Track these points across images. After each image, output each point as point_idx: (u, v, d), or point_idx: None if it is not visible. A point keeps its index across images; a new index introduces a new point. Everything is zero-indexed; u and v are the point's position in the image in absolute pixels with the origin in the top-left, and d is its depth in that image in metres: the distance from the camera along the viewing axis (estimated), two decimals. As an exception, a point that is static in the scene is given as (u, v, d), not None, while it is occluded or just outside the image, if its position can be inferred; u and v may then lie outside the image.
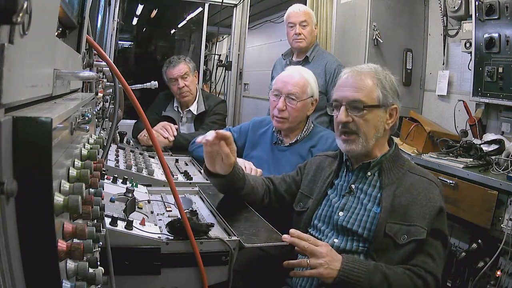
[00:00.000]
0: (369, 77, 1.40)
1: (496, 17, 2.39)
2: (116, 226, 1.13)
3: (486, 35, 2.45)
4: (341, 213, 1.39)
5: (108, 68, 1.32)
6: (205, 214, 1.45)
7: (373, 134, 1.39)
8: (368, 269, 1.20)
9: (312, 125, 2.05)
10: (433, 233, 1.29)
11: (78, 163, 0.71)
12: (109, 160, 1.75)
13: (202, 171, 1.83)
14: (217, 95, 4.27)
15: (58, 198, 0.54)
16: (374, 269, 1.21)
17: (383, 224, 1.29)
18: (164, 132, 2.51)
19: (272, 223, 1.40)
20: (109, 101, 1.68)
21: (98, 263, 0.70)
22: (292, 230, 1.27)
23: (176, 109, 2.92)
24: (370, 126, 1.38)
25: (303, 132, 2.01)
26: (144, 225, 1.21)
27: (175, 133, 2.53)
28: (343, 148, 1.42)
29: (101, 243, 0.88)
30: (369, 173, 1.41)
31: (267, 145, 2.07)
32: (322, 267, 1.20)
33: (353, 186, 1.43)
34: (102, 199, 0.88)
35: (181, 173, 1.90)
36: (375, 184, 1.39)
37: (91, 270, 0.63)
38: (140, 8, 5.08)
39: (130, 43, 5.39)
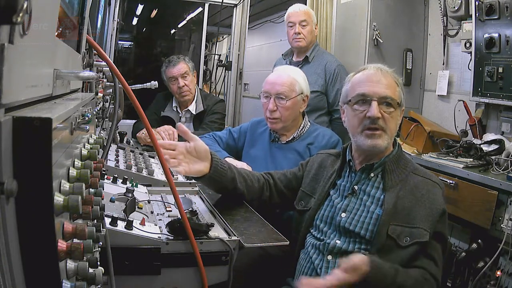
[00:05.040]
0: (390, 75, 1.42)
1: (496, 17, 2.38)
2: (116, 226, 1.13)
3: (486, 35, 2.45)
4: (343, 214, 1.39)
5: (108, 68, 1.32)
6: (205, 214, 1.44)
7: (395, 132, 1.41)
8: (386, 283, 1.16)
9: (309, 123, 2.07)
10: (436, 236, 1.29)
11: (78, 163, 0.71)
12: (109, 160, 1.75)
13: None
14: (217, 95, 4.27)
15: (58, 198, 0.54)
16: (392, 280, 1.16)
17: (386, 226, 1.29)
18: (165, 136, 2.50)
19: (272, 223, 1.40)
20: (109, 101, 1.68)
21: (98, 263, 0.70)
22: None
23: (175, 109, 2.92)
24: (394, 124, 1.39)
25: (300, 129, 2.04)
26: (144, 225, 1.21)
27: (176, 141, 2.51)
28: (367, 144, 1.37)
29: (101, 243, 0.88)
30: (372, 174, 1.41)
31: (265, 143, 2.09)
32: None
33: (356, 187, 1.42)
34: (102, 199, 0.88)
35: (181, 173, 1.90)
36: (378, 186, 1.38)
37: (91, 270, 0.63)
38: (140, 8, 5.08)
39: (130, 43, 5.39)
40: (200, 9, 4.45)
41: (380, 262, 1.18)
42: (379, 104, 1.36)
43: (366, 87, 1.38)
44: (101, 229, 0.93)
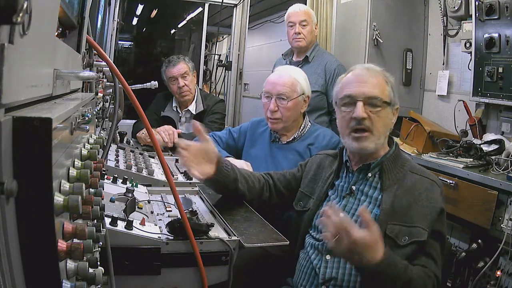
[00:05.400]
0: (380, 75, 1.41)
1: (496, 17, 2.38)
2: (116, 226, 1.13)
3: (486, 35, 2.45)
4: (341, 215, 1.39)
5: (108, 68, 1.32)
6: (205, 214, 1.45)
7: (384, 132, 1.39)
8: (398, 274, 1.15)
9: (309, 124, 2.07)
10: (434, 234, 1.28)
11: (78, 163, 0.71)
12: (109, 160, 1.75)
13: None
14: (217, 95, 4.27)
15: (58, 198, 0.54)
16: (403, 273, 1.16)
17: (383, 226, 1.28)
18: (165, 136, 2.50)
19: (272, 223, 1.40)
20: (109, 101, 1.68)
21: (98, 263, 0.70)
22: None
23: (175, 109, 2.92)
24: (383, 123, 1.38)
25: (300, 130, 2.04)
26: (144, 225, 1.21)
27: (176, 140, 2.51)
28: (355, 146, 1.37)
29: (101, 243, 0.88)
30: (369, 174, 1.41)
31: (265, 143, 2.09)
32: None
33: (353, 187, 1.42)
34: (102, 199, 0.88)
35: (181, 173, 1.90)
36: (376, 186, 1.38)
37: (91, 270, 0.63)
38: (140, 8, 5.09)
39: (130, 43, 5.39)
40: (200, 9, 4.45)
41: (392, 253, 1.18)
42: (365, 104, 1.35)
43: (352, 88, 1.39)
44: (101, 229, 0.94)
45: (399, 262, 1.17)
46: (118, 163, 1.76)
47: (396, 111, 1.44)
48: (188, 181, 1.78)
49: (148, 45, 5.37)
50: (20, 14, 0.40)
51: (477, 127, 2.59)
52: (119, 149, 2.03)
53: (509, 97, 2.37)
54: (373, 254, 1.12)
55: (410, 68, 3.08)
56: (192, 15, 5.17)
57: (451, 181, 2.19)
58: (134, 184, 1.56)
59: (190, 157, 1.42)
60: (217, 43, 6.12)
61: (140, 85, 2.44)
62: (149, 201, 1.48)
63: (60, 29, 1.00)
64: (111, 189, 1.42)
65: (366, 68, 1.43)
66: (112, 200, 1.32)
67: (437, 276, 1.25)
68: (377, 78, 1.40)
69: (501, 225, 1.95)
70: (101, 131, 1.76)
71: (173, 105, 2.92)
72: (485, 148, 2.31)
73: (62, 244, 0.55)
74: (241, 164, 1.91)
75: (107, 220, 1.12)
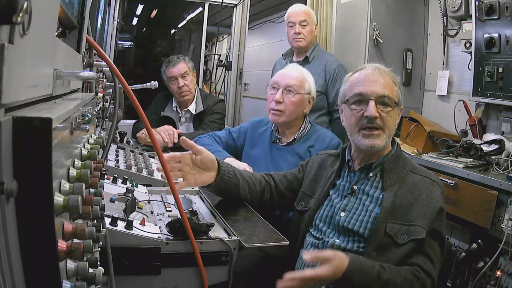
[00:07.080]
0: (388, 75, 1.42)
1: (496, 17, 2.38)
2: (116, 226, 1.13)
3: (486, 35, 2.45)
4: (342, 214, 1.39)
5: (108, 68, 1.32)
6: (205, 214, 1.45)
7: (393, 131, 1.41)
8: (370, 279, 1.16)
9: (310, 125, 2.07)
10: (432, 233, 1.29)
11: (78, 163, 0.71)
12: (109, 160, 1.75)
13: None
14: (217, 95, 4.27)
15: (58, 198, 0.54)
16: (377, 277, 1.17)
17: (383, 224, 1.29)
18: (165, 136, 2.50)
19: (272, 223, 1.40)
20: (109, 101, 1.68)
21: (98, 263, 0.70)
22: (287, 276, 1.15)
23: (175, 109, 2.92)
24: (393, 122, 1.40)
25: (300, 131, 2.03)
26: (144, 225, 1.21)
27: (176, 141, 2.52)
28: (365, 143, 1.37)
29: (101, 243, 0.88)
30: (371, 174, 1.41)
31: (265, 144, 2.09)
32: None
33: (355, 187, 1.42)
34: (102, 199, 0.88)
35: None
36: (377, 185, 1.39)
37: (91, 270, 0.63)
38: (140, 8, 5.08)
39: (130, 43, 5.39)
40: (200, 9, 4.45)
41: (362, 259, 1.19)
42: (376, 103, 1.36)
43: (363, 87, 1.39)
44: (101, 229, 0.94)
45: (369, 267, 1.17)
46: (118, 163, 1.76)
47: (400, 112, 1.45)
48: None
49: (148, 45, 5.37)
50: (20, 14, 0.40)
51: (477, 127, 2.59)
52: (119, 149, 2.03)
53: (509, 97, 2.37)
54: (335, 270, 1.13)
55: (410, 68, 3.08)
56: (192, 15, 5.16)
57: (451, 181, 2.19)
58: (134, 184, 1.56)
59: (186, 168, 1.41)
60: (217, 43, 6.12)
61: (140, 85, 2.44)
62: (149, 201, 1.48)
63: (60, 29, 1.00)
64: (111, 189, 1.42)
65: (376, 67, 1.43)
66: (112, 200, 1.32)
67: (433, 276, 1.24)
68: (386, 78, 1.41)
69: (501, 225, 1.96)
70: (101, 131, 1.76)
71: (173, 105, 2.92)
72: (485, 148, 2.31)
73: (62, 244, 0.55)
74: (243, 167, 1.90)
75: (107, 220, 1.12)
